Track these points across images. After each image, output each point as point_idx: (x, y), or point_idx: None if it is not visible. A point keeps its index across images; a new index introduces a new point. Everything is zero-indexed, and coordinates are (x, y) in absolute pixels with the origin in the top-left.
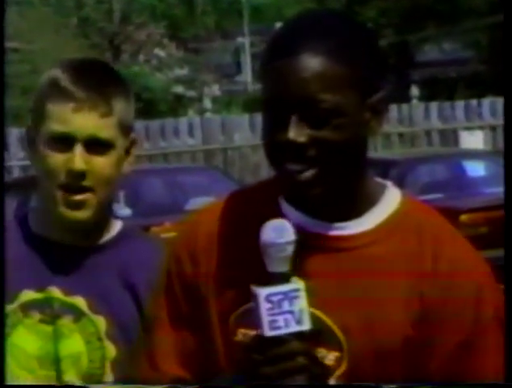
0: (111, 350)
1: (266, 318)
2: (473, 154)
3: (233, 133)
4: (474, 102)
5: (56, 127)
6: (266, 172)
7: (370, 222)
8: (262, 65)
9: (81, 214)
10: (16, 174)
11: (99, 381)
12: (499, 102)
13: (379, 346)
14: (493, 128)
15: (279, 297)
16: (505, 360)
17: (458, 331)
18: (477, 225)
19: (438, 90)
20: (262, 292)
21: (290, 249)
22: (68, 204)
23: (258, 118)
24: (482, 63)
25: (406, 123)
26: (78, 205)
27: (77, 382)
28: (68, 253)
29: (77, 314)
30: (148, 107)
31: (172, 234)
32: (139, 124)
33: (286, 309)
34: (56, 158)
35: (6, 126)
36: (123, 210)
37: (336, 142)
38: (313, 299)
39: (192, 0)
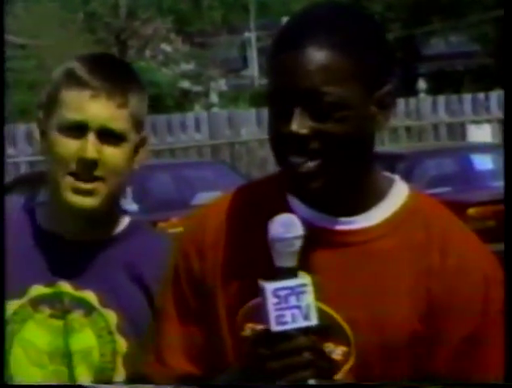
0: (122, 344)
1: (272, 313)
2: (481, 148)
3: (240, 128)
4: (481, 95)
5: (70, 114)
6: (272, 166)
7: (377, 217)
8: (268, 58)
9: (89, 202)
10: (24, 170)
11: (108, 381)
12: None
13: (387, 340)
14: (501, 122)
15: (286, 291)
16: (505, 360)
17: (466, 325)
18: (485, 218)
19: (446, 83)
20: (269, 286)
21: (298, 244)
22: (76, 191)
23: (265, 112)
24: (489, 56)
25: (413, 116)
26: (87, 193)
27: (88, 377)
28: (77, 247)
29: (88, 309)
30: (155, 102)
31: (179, 229)
32: (146, 119)
33: (293, 304)
34: (69, 145)
35: (14, 122)
36: (130, 205)
37: (339, 135)
38: (321, 294)
39: None
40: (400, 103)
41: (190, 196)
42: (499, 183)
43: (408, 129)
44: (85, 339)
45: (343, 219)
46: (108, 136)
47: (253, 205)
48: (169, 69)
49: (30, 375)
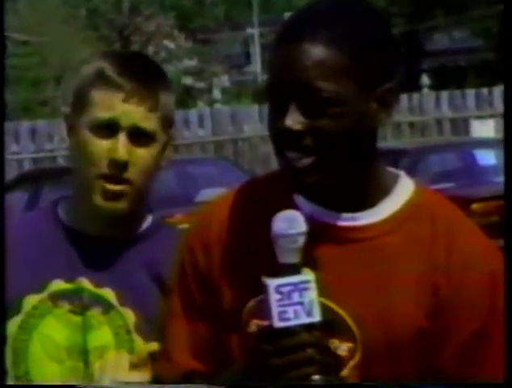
0: (140, 344)
1: (275, 309)
2: (484, 143)
3: (243, 124)
4: (485, 90)
5: (101, 113)
6: (275, 163)
7: (383, 213)
8: (270, 52)
9: (118, 205)
10: (27, 167)
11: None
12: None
13: (393, 336)
14: None
15: (289, 288)
16: (505, 360)
17: (472, 321)
18: (488, 213)
19: (449, 78)
20: (272, 283)
21: (301, 240)
22: (105, 195)
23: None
24: (492, 51)
25: (417, 112)
26: (116, 196)
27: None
28: (99, 244)
29: (106, 306)
30: None
31: (183, 226)
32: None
33: (296, 300)
34: (100, 145)
35: (17, 119)
36: None
37: (334, 131)
38: (326, 290)
39: None
40: (404, 98)
41: (194, 192)
42: (502, 179)
43: (411, 125)
44: (102, 336)
45: (348, 215)
46: (139, 136)
47: (259, 201)
48: (172, 66)
49: (47, 370)
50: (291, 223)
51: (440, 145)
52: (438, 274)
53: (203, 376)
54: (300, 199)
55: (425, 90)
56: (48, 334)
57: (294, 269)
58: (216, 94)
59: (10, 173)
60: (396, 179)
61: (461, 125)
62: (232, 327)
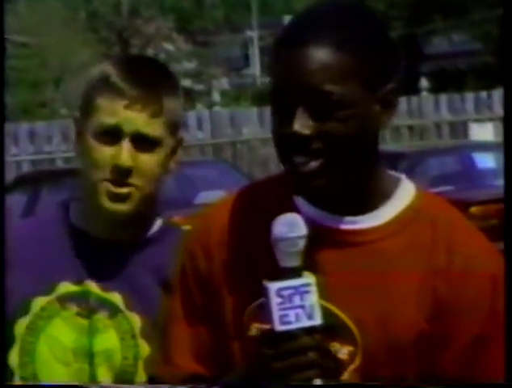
0: (145, 348)
1: (276, 313)
2: (483, 146)
3: (242, 127)
4: (484, 94)
5: (105, 119)
6: (274, 165)
7: (384, 216)
8: (271, 57)
9: (124, 207)
10: (26, 169)
11: (130, 381)
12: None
13: (394, 340)
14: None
15: (290, 291)
16: (505, 360)
17: (473, 324)
18: (487, 217)
19: (448, 82)
20: (273, 286)
21: (301, 243)
22: (111, 197)
23: (267, 111)
24: (491, 55)
25: (416, 115)
26: (121, 198)
27: (109, 378)
28: (108, 248)
29: (113, 310)
30: None
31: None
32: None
33: (297, 303)
34: (104, 152)
35: (16, 121)
36: None
37: (342, 135)
38: (328, 293)
39: None
40: (403, 101)
41: (192, 194)
42: (501, 182)
43: (410, 128)
44: (108, 340)
45: (349, 218)
46: (143, 142)
47: (259, 205)
48: (171, 68)
49: (54, 372)
50: (291, 226)
51: (439, 148)
52: (439, 277)
53: (204, 379)
54: (301, 202)
55: (425, 94)
56: (56, 336)
57: (295, 272)
58: (215, 96)
59: (9, 175)
60: (397, 182)
61: (460, 129)
62: (233, 331)
